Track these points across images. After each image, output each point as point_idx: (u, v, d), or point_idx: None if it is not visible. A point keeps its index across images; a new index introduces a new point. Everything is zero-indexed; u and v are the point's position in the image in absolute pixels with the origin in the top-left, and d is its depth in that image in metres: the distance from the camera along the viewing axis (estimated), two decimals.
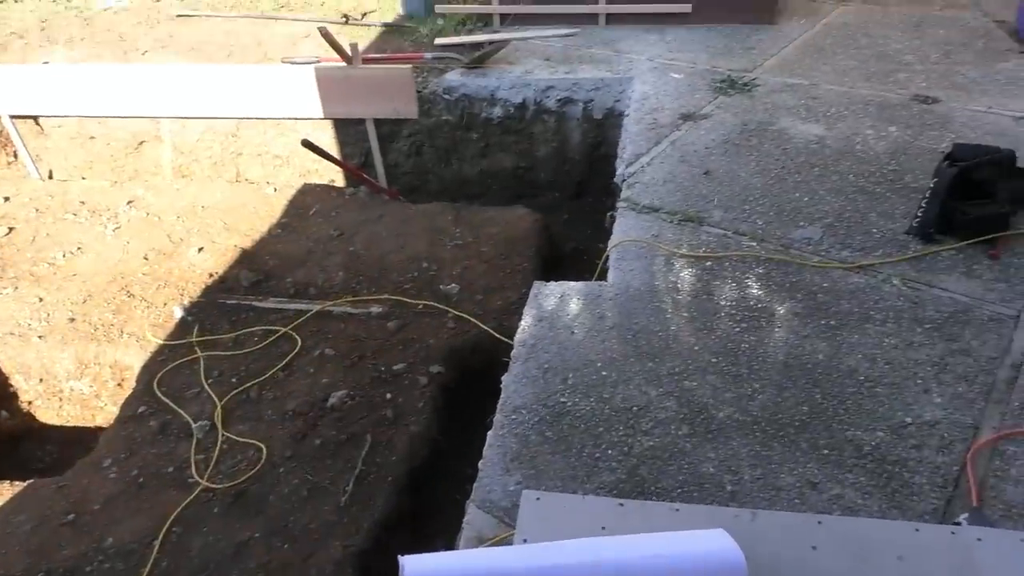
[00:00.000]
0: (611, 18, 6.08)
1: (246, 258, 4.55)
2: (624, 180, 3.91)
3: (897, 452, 2.36)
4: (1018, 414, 2.47)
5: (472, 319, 3.85)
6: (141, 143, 5.92)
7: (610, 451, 2.42)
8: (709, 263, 3.25)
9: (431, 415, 3.43)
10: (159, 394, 3.66)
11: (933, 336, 2.79)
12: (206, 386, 3.67)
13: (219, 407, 3.52)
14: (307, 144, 4.92)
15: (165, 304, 4.24)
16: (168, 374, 3.78)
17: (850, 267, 3.17)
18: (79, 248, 4.77)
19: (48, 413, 4.16)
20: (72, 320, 4.17)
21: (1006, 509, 2.18)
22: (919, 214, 3.33)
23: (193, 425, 3.44)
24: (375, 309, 4.03)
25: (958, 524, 2.04)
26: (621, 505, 1.88)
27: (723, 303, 3.01)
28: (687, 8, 5.93)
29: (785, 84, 4.87)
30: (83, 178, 5.99)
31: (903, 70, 5.01)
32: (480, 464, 2.44)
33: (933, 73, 4.94)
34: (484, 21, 6.24)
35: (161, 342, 3.99)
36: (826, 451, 2.39)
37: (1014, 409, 2.49)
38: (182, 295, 4.31)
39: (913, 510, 2.20)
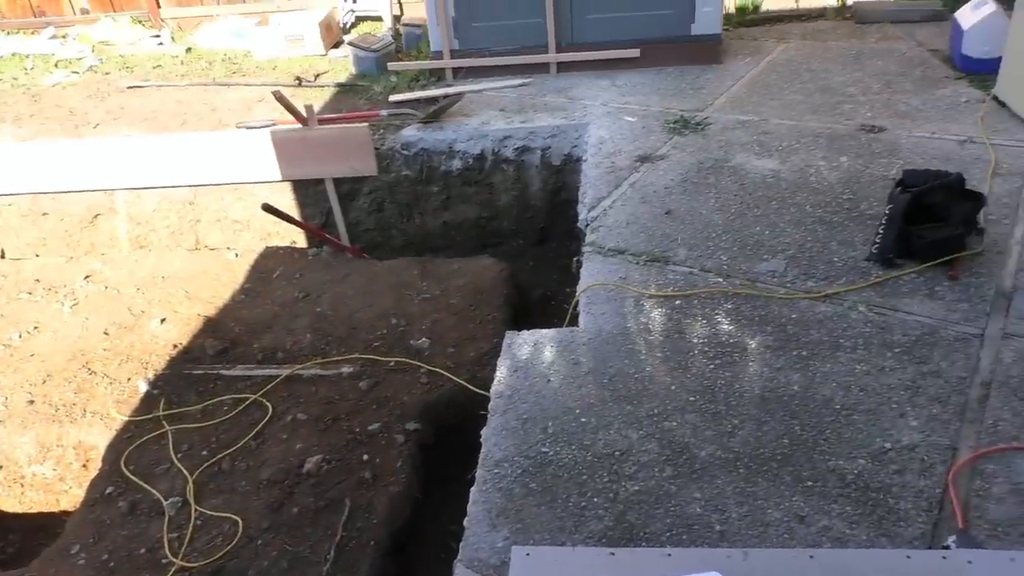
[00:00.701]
0: (562, 66, 6.20)
1: (210, 326, 4.48)
2: (587, 224, 3.94)
3: (880, 479, 2.37)
4: (993, 432, 2.50)
5: (445, 373, 3.82)
6: (96, 216, 5.83)
7: (596, 499, 2.39)
8: (678, 302, 3.27)
9: (410, 474, 3.37)
10: (127, 473, 3.55)
11: (903, 360, 2.83)
12: (176, 461, 3.57)
13: (190, 481, 3.42)
14: (267, 208, 4.89)
15: (129, 379, 4.14)
16: (135, 451, 3.67)
17: (816, 297, 3.21)
18: (36, 327, 4.66)
19: (9, 501, 4.00)
20: (31, 402, 4.05)
21: (991, 528, 2.19)
22: (877, 240, 3.40)
23: (164, 503, 3.33)
24: (346, 369, 3.98)
25: (947, 548, 2.05)
26: (612, 554, 1.86)
27: (696, 341, 3.02)
28: (636, 53, 6.07)
29: (737, 121, 4.99)
30: (37, 255, 5.87)
31: (848, 101, 5.17)
32: (465, 522, 2.39)
33: (876, 103, 5.10)
34: (437, 76, 6.32)
35: (126, 418, 3.88)
36: (810, 483, 2.39)
37: (988, 427, 2.52)
38: (146, 368, 4.22)
39: (901, 536, 2.20)
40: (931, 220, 3.38)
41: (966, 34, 5.38)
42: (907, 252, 3.35)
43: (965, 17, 5.47)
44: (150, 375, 4.15)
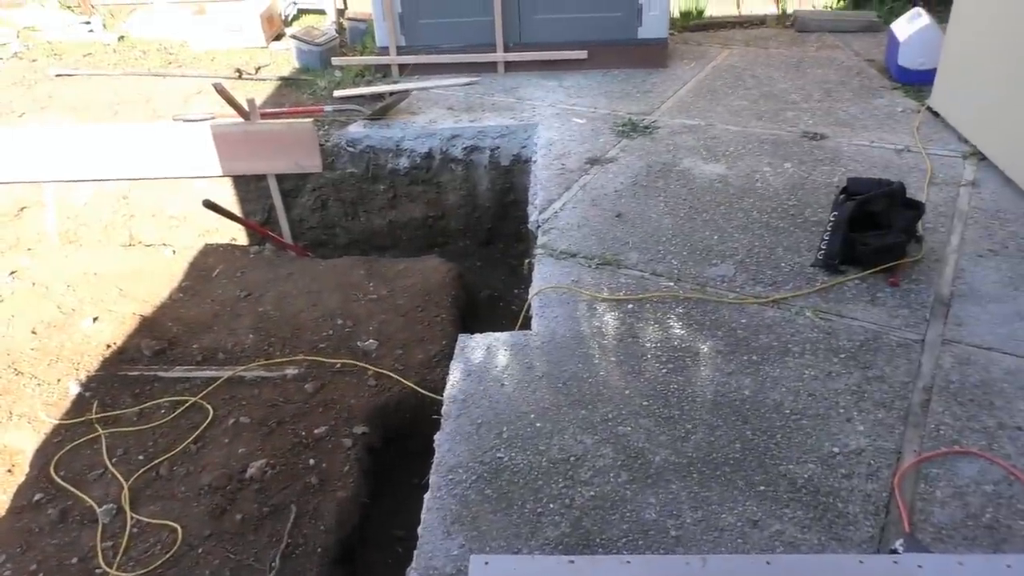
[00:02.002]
0: (510, 66, 6.17)
1: (147, 326, 4.31)
2: (539, 226, 3.93)
3: (829, 483, 2.41)
4: (935, 436, 2.57)
5: (394, 375, 3.75)
6: (22, 209, 5.57)
7: (552, 505, 2.38)
8: (631, 305, 3.28)
9: (358, 478, 3.30)
10: (57, 478, 3.39)
11: (849, 365, 2.89)
12: (110, 466, 3.42)
13: (126, 488, 3.29)
14: (209, 204, 4.74)
15: (59, 380, 3.96)
16: (66, 456, 3.51)
17: (764, 302, 3.26)
18: None
19: None
20: None
21: (936, 532, 2.25)
22: (823, 247, 3.47)
23: (97, 510, 3.19)
24: (291, 371, 3.88)
25: (895, 552, 2.09)
26: (572, 562, 1.84)
27: (648, 345, 3.03)
28: (583, 55, 6.08)
29: (684, 125, 5.04)
30: None
31: (790, 108, 5.28)
32: (419, 529, 2.34)
33: (818, 111, 5.22)
34: (383, 72, 6.22)
35: (56, 422, 3.71)
36: (762, 487, 2.41)
37: (931, 431, 2.59)
38: (77, 369, 4.04)
39: (851, 540, 2.25)
40: (874, 227, 3.47)
41: (902, 46, 5.55)
42: (851, 258, 3.43)
43: (901, 29, 5.64)
44: (82, 376, 3.98)
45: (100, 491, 3.31)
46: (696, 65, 6.27)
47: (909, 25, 5.57)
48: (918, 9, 5.71)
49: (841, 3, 7.63)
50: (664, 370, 2.90)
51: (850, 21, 7.08)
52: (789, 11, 7.58)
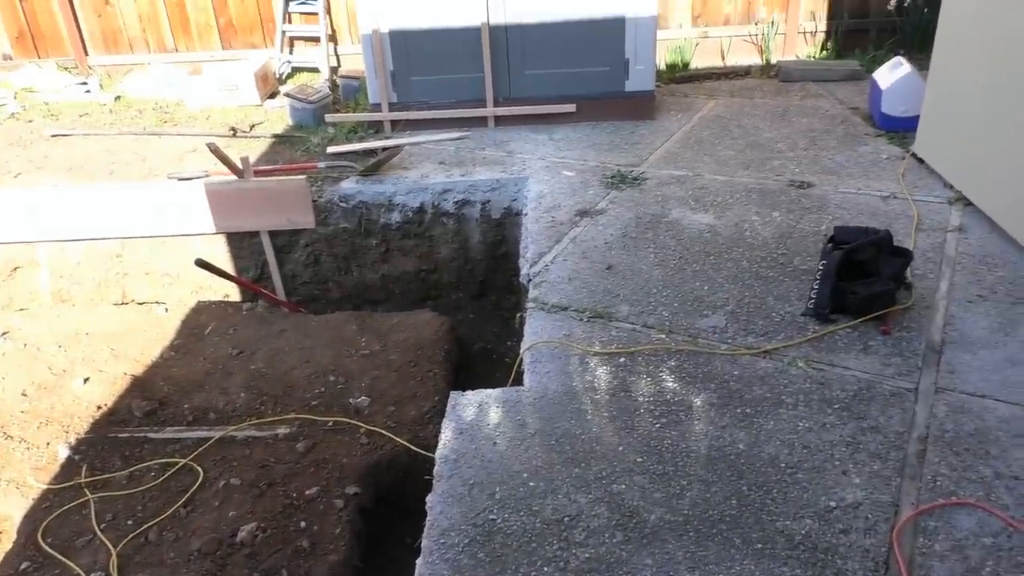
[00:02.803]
0: (499, 120, 6.26)
1: (138, 386, 4.28)
2: (530, 280, 3.94)
3: (827, 539, 2.38)
4: (932, 488, 2.55)
5: (386, 433, 3.72)
6: (15, 269, 5.58)
7: (546, 568, 2.34)
8: (623, 359, 3.27)
9: (350, 541, 3.24)
10: (44, 546, 3.32)
11: (843, 416, 2.88)
12: (98, 532, 3.36)
13: (114, 554, 3.22)
14: (201, 263, 4.75)
15: (48, 443, 3.92)
16: (54, 522, 3.44)
17: (757, 352, 3.26)
18: None
19: None
20: None
21: None
22: (813, 296, 3.49)
23: None
24: (282, 430, 3.84)
25: None
26: None
27: (641, 399, 3.02)
28: (572, 108, 6.18)
29: (672, 176, 5.10)
30: None
31: (776, 157, 5.35)
32: None
33: (804, 159, 5.29)
34: (375, 128, 6.30)
35: (45, 486, 3.65)
36: (759, 545, 2.38)
37: (928, 483, 2.57)
38: (67, 432, 4.00)
39: None
40: (862, 276, 3.49)
41: (884, 94, 5.65)
42: (841, 307, 3.44)
43: (883, 77, 5.75)
44: (71, 439, 3.94)
45: (88, 558, 3.25)
46: (683, 116, 6.36)
47: (891, 73, 5.68)
48: (899, 58, 5.83)
49: (824, 53, 7.78)
50: (657, 425, 2.89)
51: (833, 70, 7.21)
52: (773, 61, 7.73)
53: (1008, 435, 2.74)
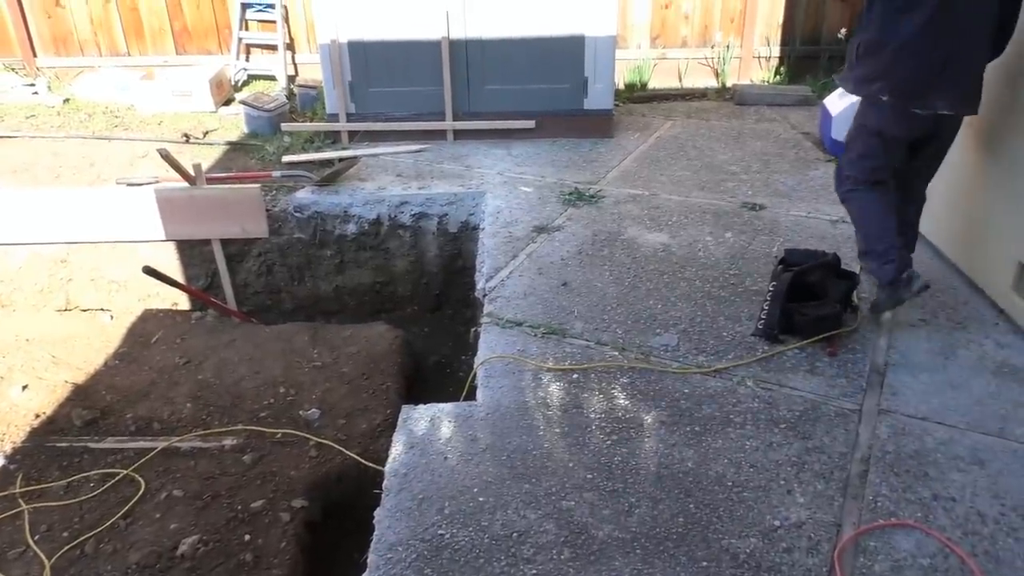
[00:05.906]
0: (459, 134, 6.27)
1: (79, 394, 4.17)
2: (485, 295, 3.94)
3: (771, 558, 2.41)
4: (873, 508, 2.60)
5: (336, 446, 3.67)
6: None
7: None
8: (576, 375, 3.28)
9: (296, 555, 3.19)
10: None
11: (789, 435, 2.93)
12: (32, 543, 3.25)
13: (47, 567, 3.12)
14: (149, 271, 4.65)
15: None
16: None
17: (707, 371, 3.30)
18: None
19: None
20: None
21: None
22: (763, 316, 3.54)
23: None
24: (229, 441, 3.77)
25: None
26: None
27: (593, 416, 3.03)
28: (531, 124, 6.21)
29: (629, 195, 5.15)
30: None
31: (731, 179, 5.44)
32: None
33: (756, 181, 5.39)
34: (332, 138, 6.25)
35: None
36: (704, 563, 2.40)
37: (869, 503, 2.62)
38: (3, 440, 3.88)
39: None
40: (811, 298, 3.56)
41: (834, 120, 5.78)
42: (790, 328, 3.50)
43: (833, 104, 5.89)
44: (7, 448, 3.82)
45: (20, 571, 3.14)
46: (640, 136, 6.44)
47: (840, 100, 5.82)
48: None
49: (777, 78, 7.95)
50: (608, 442, 2.90)
51: (786, 95, 7.38)
52: (728, 84, 7.88)
53: (946, 457, 2.81)
